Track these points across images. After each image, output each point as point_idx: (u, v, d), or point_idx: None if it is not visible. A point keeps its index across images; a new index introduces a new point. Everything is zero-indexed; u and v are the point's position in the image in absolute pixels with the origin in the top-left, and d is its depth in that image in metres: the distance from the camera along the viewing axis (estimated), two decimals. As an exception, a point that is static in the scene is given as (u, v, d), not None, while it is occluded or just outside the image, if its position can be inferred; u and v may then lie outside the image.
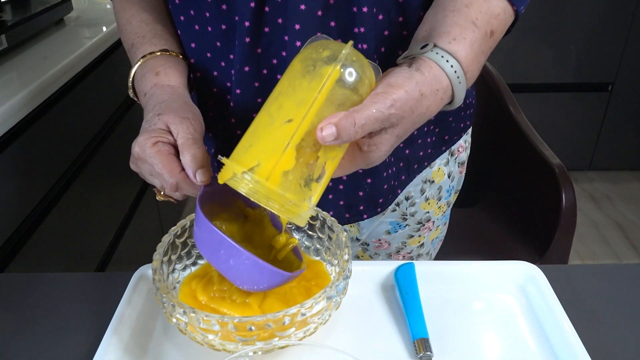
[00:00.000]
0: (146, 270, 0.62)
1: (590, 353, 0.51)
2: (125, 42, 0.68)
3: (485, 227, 1.29)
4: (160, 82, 0.62)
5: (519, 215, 1.32)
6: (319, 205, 0.73)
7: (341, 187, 0.73)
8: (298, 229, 0.63)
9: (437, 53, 0.50)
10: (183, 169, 0.53)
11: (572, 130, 2.46)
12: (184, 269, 0.60)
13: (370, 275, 0.63)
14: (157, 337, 0.56)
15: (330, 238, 0.60)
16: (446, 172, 0.79)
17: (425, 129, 0.73)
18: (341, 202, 0.75)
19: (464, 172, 0.85)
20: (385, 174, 0.72)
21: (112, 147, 1.40)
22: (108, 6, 1.64)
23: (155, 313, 0.59)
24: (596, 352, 0.52)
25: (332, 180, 0.71)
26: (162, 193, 0.57)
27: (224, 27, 0.62)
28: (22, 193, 1.01)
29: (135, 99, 0.67)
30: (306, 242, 0.63)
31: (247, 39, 0.60)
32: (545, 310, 0.57)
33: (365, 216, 0.76)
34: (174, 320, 0.49)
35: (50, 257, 1.09)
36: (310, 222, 0.62)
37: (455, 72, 0.50)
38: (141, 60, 0.64)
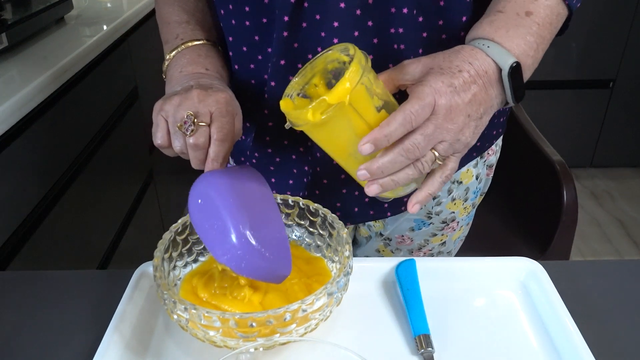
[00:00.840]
0: (147, 267, 0.62)
1: (592, 349, 0.51)
2: (168, 32, 0.70)
3: (487, 223, 1.29)
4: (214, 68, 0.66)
5: (521, 211, 1.32)
6: (342, 199, 0.75)
7: None
8: (299, 224, 0.63)
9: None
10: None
11: (574, 127, 2.46)
12: (185, 265, 0.60)
13: (371, 272, 0.63)
14: (159, 334, 0.56)
15: (330, 235, 0.60)
16: (474, 173, 0.79)
17: None
18: (366, 200, 0.75)
19: (492, 175, 0.84)
20: None
21: (113, 145, 1.40)
22: (109, 5, 1.64)
23: (157, 310, 0.59)
24: (598, 347, 0.52)
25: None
26: (185, 125, 0.56)
27: (264, 20, 0.63)
28: (23, 191, 1.01)
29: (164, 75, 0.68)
30: (307, 239, 0.63)
31: (285, 33, 0.61)
32: (546, 306, 0.57)
33: (389, 214, 0.77)
34: (175, 316, 0.49)
35: (52, 255, 1.09)
36: (311, 218, 0.62)
37: (477, 41, 0.54)
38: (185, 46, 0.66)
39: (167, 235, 0.57)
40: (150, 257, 0.56)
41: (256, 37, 0.65)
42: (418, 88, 0.50)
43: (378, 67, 0.62)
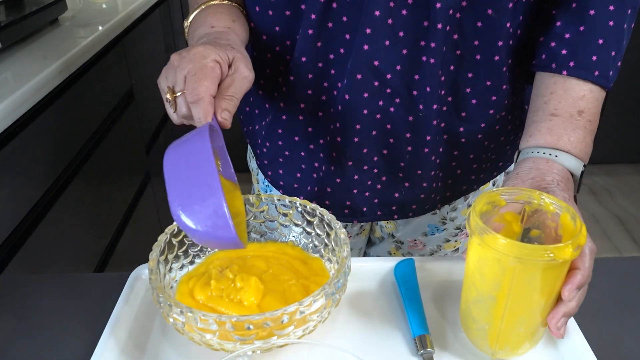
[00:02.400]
0: (143, 270, 0.61)
1: (592, 345, 0.51)
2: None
3: (485, 222, 1.28)
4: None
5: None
6: (352, 198, 0.75)
7: (379, 186, 0.73)
8: (297, 225, 0.62)
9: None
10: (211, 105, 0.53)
11: (571, 124, 2.45)
12: (181, 268, 0.59)
13: (369, 272, 0.63)
14: (155, 337, 0.55)
15: (328, 235, 0.59)
16: (492, 181, 0.79)
17: (483, 155, 0.73)
18: (375, 200, 0.75)
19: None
20: (425, 184, 0.72)
21: (109, 147, 1.39)
22: (104, 6, 1.63)
23: (153, 313, 0.58)
24: (597, 344, 0.51)
25: (371, 179, 0.73)
26: (174, 96, 0.54)
27: (287, 13, 0.63)
28: (19, 193, 1.01)
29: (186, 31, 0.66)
30: (304, 239, 0.62)
31: (311, 31, 0.61)
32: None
33: (395, 216, 0.77)
34: (171, 320, 0.49)
35: (49, 256, 1.09)
36: (308, 218, 0.61)
37: (542, 150, 0.58)
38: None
39: (162, 237, 0.56)
40: (147, 260, 0.55)
41: (277, 28, 0.64)
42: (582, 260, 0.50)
43: (405, 78, 0.63)
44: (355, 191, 0.73)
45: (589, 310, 0.58)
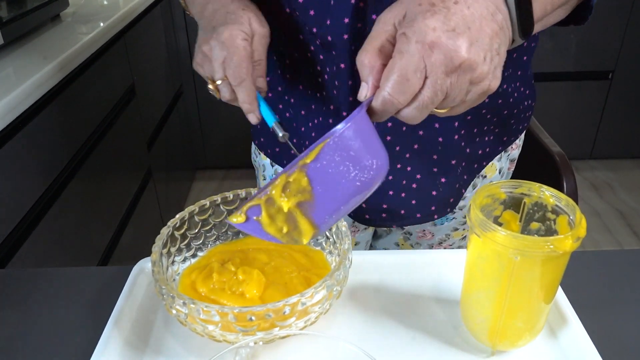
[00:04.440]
0: (146, 263, 0.62)
1: (593, 339, 0.51)
2: None
3: (486, 216, 1.28)
4: None
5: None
6: (388, 201, 0.73)
7: (414, 185, 0.72)
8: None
9: None
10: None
11: (573, 119, 2.45)
12: (184, 261, 0.60)
13: (371, 265, 0.63)
14: (158, 329, 0.56)
15: (330, 228, 0.59)
16: (498, 167, 0.78)
17: (485, 127, 0.73)
18: (413, 202, 0.73)
19: (513, 169, 0.84)
20: (458, 171, 0.72)
21: (111, 143, 1.39)
22: (105, 2, 1.63)
23: (156, 306, 0.58)
24: (599, 337, 0.52)
25: (405, 178, 0.71)
26: (215, 83, 0.58)
27: (312, 12, 0.60)
28: (22, 189, 1.01)
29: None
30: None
31: (345, 36, 0.59)
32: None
33: (435, 216, 0.75)
34: (174, 311, 0.49)
35: (52, 252, 1.09)
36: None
37: None
38: None
39: (164, 231, 0.57)
40: (150, 253, 0.56)
41: (306, 28, 0.62)
42: (403, 45, 0.42)
43: None
44: (391, 193, 0.72)
45: (590, 302, 0.58)
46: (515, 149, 0.80)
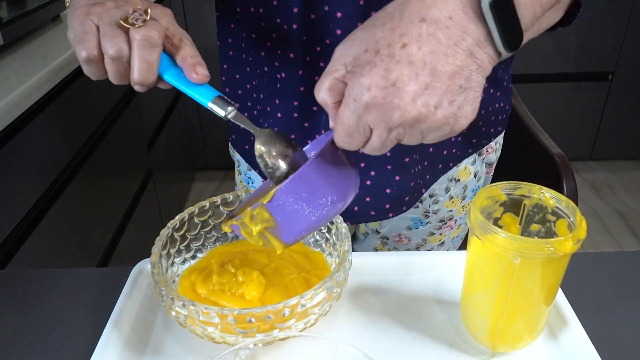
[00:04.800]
0: (145, 264, 0.62)
1: (593, 340, 0.51)
2: None
3: (486, 217, 1.28)
4: None
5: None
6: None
7: (368, 182, 0.72)
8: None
9: None
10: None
11: (573, 120, 2.45)
12: (183, 262, 0.60)
13: (371, 266, 0.63)
14: (158, 330, 0.56)
15: (329, 229, 0.59)
16: (472, 171, 0.78)
17: None
18: (367, 199, 0.73)
19: (492, 173, 0.83)
20: (413, 170, 0.72)
21: (111, 143, 1.39)
22: (104, 2, 1.63)
23: (155, 307, 0.58)
24: (599, 339, 0.51)
25: (360, 177, 0.71)
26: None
27: (260, 10, 0.62)
28: (22, 190, 1.01)
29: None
30: (306, 234, 0.62)
31: (295, 26, 0.60)
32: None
33: (390, 215, 0.75)
34: (174, 313, 0.49)
35: (51, 253, 1.09)
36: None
37: None
38: None
39: (164, 232, 0.56)
40: (149, 254, 0.56)
41: (262, 24, 0.64)
42: (346, 98, 0.41)
43: None
44: None
45: (589, 303, 0.58)
46: (491, 153, 0.79)
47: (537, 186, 0.51)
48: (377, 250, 0.85)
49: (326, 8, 0.59)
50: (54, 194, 1.11)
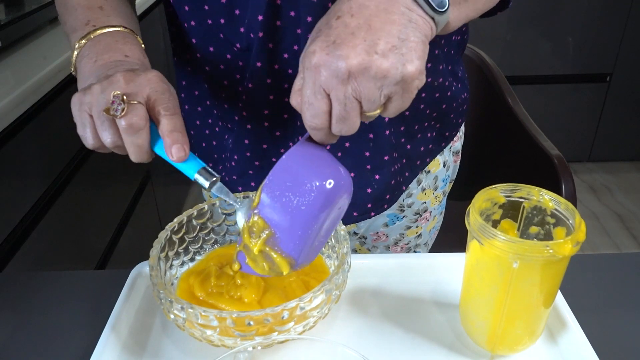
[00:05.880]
0: (144, 267, 0.61)
1: (592, 342, 0.51)
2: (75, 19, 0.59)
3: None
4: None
5: (519, 207, 1.31)
6: None
7: None
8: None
9: None
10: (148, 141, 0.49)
11: (571, 121, 2.46)
12: (182, 265, 0.60)
13: (369, 269, 0.63)
14: (156, 333, 0.56)
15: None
16: (441, 161, 0.79)
17: (426, 123, 0.74)
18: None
19: (459, 161, 0.85)
20: (393, 168, 0.72)
21: (109, 146, 1.39)
22: (103, 4, 1.63)
23: (154, 310, 0.58)
24: (597, 340, 0.51)
25: None
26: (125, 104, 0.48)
27: (222, 21, 0.61)
28: (19, 191, 1.01)
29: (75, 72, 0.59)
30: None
31: (260, 34, 0.59)
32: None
33: (372, 214, 0.76)
34: (172, 316, 0.49)
35: (49, 255, 1.09)
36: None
37: None
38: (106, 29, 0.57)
39: (163, 234, 0.56)
40: (148, 257, 0.55)
41: (221, 35, 0.63)
42: (303, 79, 0.44)
43: None
44: None
45: (588, 306, 0.58)
46: (457, 142, 0.81)
47: (537, 188, 0.51)
48: (356, 252, 0.84)
49: (292, 14, 0.58)
50: (52, 196, 1.11)
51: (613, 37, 2.27)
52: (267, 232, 0.47)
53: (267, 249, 0.48)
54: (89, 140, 0.50)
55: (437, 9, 0.44)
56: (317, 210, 0.46)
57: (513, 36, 2.24)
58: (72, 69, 0.58)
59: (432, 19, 0.45)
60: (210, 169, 0.50)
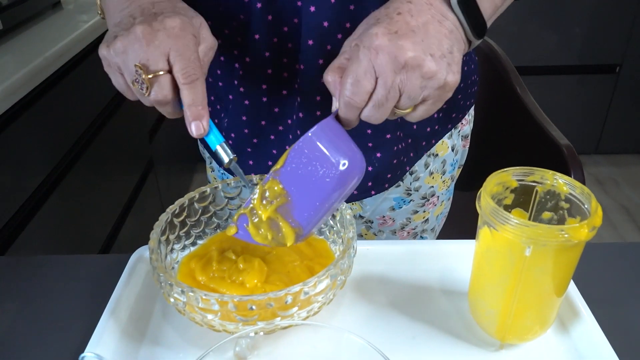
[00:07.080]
0: (144, 251, 0.60)
1: (605, 332, 0.50)
2: None
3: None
4: None
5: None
6: None
7: None
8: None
9: None
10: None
11: (579, 113, 2.43)
12: (183, 249, 0.58)
13: (375, 255, 0.61)
14: (156, 319, 0.54)
15: (334, 216, 0.58)
16: (450, 145, 0.78)
17: None
18: None
19: (468, 145, 0.84)
20: (395, 148, 0.71)
21: (112, 132, 1.38)
22: (106, -11, 1.61)
23: (154, 295, 0.57)
24: (610, 330, 0.50)
25: None
26: (150, 76, 0.47)
27: None
28: (22, 176, 1.00)
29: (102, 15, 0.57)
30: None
31: (259, 5, 0.58)
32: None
33: (373, 192, 0.75)
34: (172, 300, 0.47)
35: (51, 241, 1.08)
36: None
37: None
38: None
39: (163, 217, 0.55)
40: (149, 242, 0.54)
41: (220, 9, 0.61)
42: (354, 54, 0.47)
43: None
44: None
45: (601, 295, 0.56)
46: (465, 125, 0.80)
47: (550, 172, 0.49)
48: (362, 236, 0.83)
49: None
50: (54, 181, 1.10)
51: (622, 28, 2.23)
52: (281, 198, 0.47)
53: (277, 216, 0.47)
54: (129, 97, 0.51)
55: (478, 37, 0.50)
56: (340, 185, 0.46)
57: (520, 27, 2.20)
58: (99, 12, 0.56)
59: (470, 42, 0.51)
60: (227, 147, 0.51)
